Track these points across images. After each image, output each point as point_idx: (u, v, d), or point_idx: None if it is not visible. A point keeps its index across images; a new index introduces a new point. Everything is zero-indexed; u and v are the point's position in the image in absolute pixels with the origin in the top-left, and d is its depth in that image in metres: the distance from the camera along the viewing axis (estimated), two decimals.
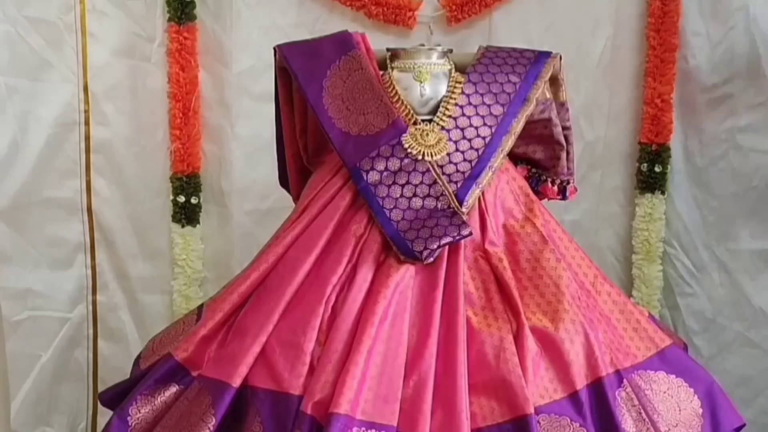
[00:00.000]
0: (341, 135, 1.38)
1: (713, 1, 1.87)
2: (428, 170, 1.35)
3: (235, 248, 2.01)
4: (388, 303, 1.27)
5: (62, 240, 1.98)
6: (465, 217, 1.32)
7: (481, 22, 1.89)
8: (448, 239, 1.30)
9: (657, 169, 1.92)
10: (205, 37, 1.94)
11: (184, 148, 1.97)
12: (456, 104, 1.39)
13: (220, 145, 1.99)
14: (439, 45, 1.47)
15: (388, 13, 1.91)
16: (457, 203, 1.35)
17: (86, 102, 1.94)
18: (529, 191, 1.44)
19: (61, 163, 1.95)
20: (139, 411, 1.32)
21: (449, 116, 1.38)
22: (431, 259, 1.30)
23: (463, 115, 1.38)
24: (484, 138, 1.38)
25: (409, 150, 1.34)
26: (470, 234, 1.31)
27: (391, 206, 1.33)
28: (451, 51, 1.46)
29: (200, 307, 1.45)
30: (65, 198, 1.97)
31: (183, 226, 2.00)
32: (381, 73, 1.43)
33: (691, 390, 1.36)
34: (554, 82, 1.47)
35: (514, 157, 1.49)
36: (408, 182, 1.35)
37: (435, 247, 1.29)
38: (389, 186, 1.34)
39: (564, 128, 1.49)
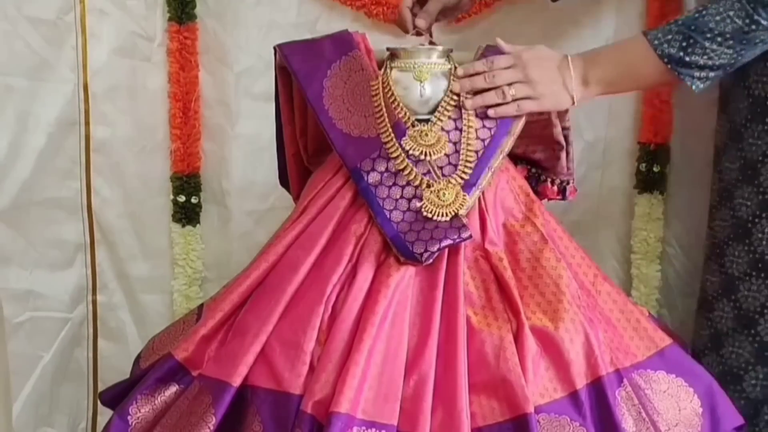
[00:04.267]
0: (342, 136, 1.38)
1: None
2: (429, 171, 1.35)
3: (236, 248, 2.01)
4: (389, 302, 1.27)
5: (62, 240, 1.98)
6: (465, 220, 1.32)
7: (481, 22, 1.89)
8: (448, 242, 1.30)
9: (656, 168, 1.92)
10: (205, 36, 1.94)
11: (184, 148, 1.97)
12: (456, 106, 1.39)
13: (220, 144, 1.99)
14: (439, 45, 1.47)
15: (388, 13, 1.91)
16: None
17: (86, 102, 1.94)
18: (529, 191, 1.44)
19: (61, 163, 1.95)
20: (140, 410, 1.32)
21: (449, 117, 1.38)
22: (430, 261, 1.30)
23: (462, 116, 1.38)
24: (483, 140, 1.38)
25: (410, 151, 1.35)
26: (470, 237, 1.31)
27: (392, 207, 1.33)
28: (451, 51, 1.46)
29: (200, 307, 1.45)
30: (65, 198, 1.97)
31: (183, 226, 2.00)
32: (380, 73, 1.43)
33: (691, 389, 1.36)
34: None
35: (513, 157, 1.49)
36: (408, 183, 1.35)
37: (435, 249, 1.29)
38: (389, 187, 1.34)
39: (563, 128, 1.49)
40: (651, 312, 1.60)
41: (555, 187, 1.53)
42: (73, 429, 2.04)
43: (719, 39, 1.34)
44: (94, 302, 2.04)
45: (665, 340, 1.40)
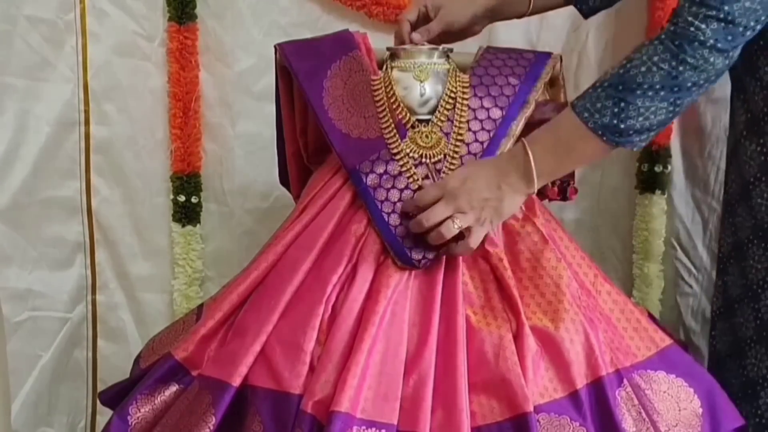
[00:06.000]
0: (341, 136, 1.38)
1: None
2: (427, 175, 1.35)
3: (236, 247, 2.01)
4: (388, 302, 1.27)
5: (62, 240, 1.98)
6: None
7: None
8: (446, 248, 1.30)
9: (657, 169, 1.92)
10: (205, 36, 1.94)
11: (185, 148, 1.97)
12: (455, 107, 1.39)
13: (220, 144, 1.99)
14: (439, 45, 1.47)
15: (388, 13, 1.91)
16: None
17: (86, 101, 1.94)
18: None
19: (61, 163, 1.95)
20: (139, 410, 1.32)
21: (447, 118, 1.38)
22: (427, 266, 1.30)
23: (461, 118, 1.38)
24: (482, 142, 1.38)
25: (410, 153, 1.34)
26: None
27: (390, 210, 1.33)
28: (451, 51, 1.46)
29: (200, 307, 1.45)
30: (65, 198, 1.97)
31: (183, 226, 2.00)
32: (381, 73, 1.43)
33: (691, 390, 1.36)
34: (554, 83, 1.47)
35: None
36: (407, 187, 1.35)
37: (432, 256, 1.30)
38: (388, 189, 1.34)
39: None
40: (652, 312, 1.59)
41: (555, 188, 1.53)
42: (73, 429, 2.04)
43: (650, 93, 1.21)
44: (94, 302, 2.04)
45: (665, 341, 1.39)
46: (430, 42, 1.48)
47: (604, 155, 1.30)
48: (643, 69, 1.22)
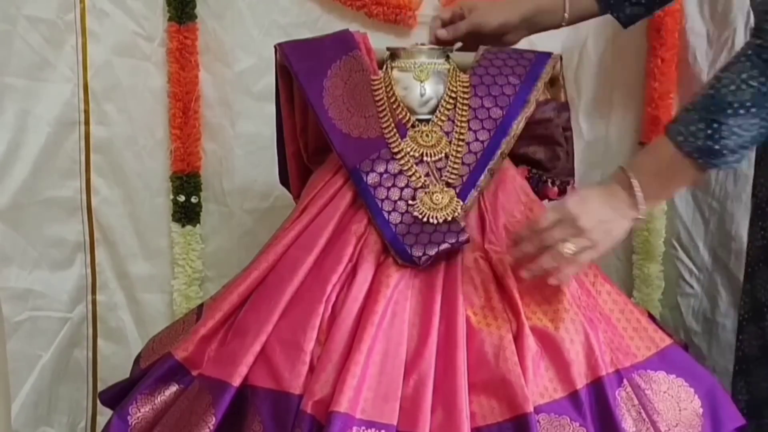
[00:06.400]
0: (342, 136, 1.38)
1: (713, 2, 1.88)
2: (428, 174, 1.35)
3: (236, 247, 2.01)
4: (388, 302, 1.27)
5: (62, 240, 1.98)
6: (462, 224, 1.33)
7: None
8: (446, 245, 1.30)
9: None
10: (205, 36, 1.94)
11: (184, 148, 1.97)
12: (455, 107, 1.39)
13: (220, 144, 1.99)
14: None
15: (388, 13, 1.91)
16: None
17: (86, 101, 1.94)
18: (529, 191, 1.44)
19: (61, 163, 1.95)
20: (139, 410, 1.32)
21: (448, 118, 1.38)
22: (428, 264, 1.30)
23: (462, 118, 1.38)
24: (482, 142, 1.38)
25: (410, 152, 1.34)
26: (467, 241, 1.32)
27: (390, 209, 1.33)
28: (451, 51, 1.46)
29: (200, 307, 1.45)
30: (65, 198, 1.97)
31: (183, 226, 2.00)
32: (380, 73, 1.43)
33: (692, 390, 1.35)
34: (554, 82, 1.47)
35: (514, 158, 1.48)
36: (407, 185, 1.35)
37: (433, 253, 1.30)
38: (388, 188, 1.34)
39: (564, 129, 1.49)
40: (652, 312, 1.59)
41: (556, 188, 1.53)
42: (73, 429, 2.04)
43: (741, 111, 1.20)
44: (94, 302, 2.04)
45: (665, 341, 1.39)
46: (458, 41, 1.49)
47: (704, 174, 1.28)
48: (732, 87, 1.21)
